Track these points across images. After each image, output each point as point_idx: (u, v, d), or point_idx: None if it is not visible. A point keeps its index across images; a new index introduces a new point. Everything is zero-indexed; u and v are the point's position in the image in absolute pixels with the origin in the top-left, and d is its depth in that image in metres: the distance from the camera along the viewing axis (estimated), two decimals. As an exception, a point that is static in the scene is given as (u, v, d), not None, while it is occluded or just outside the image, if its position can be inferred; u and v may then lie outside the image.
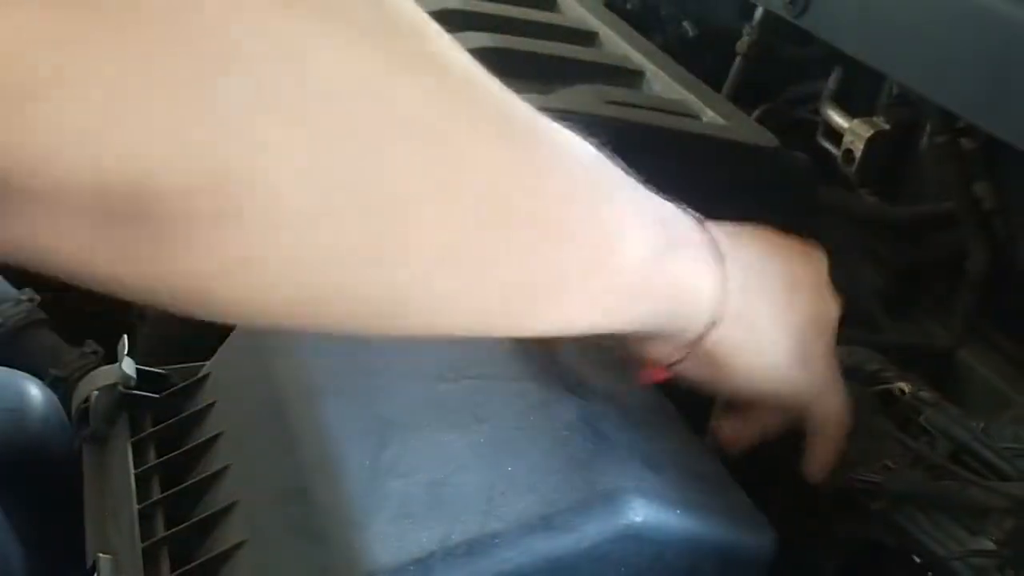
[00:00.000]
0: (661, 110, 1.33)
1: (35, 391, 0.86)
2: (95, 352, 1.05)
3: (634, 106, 1.29)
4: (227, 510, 0.66)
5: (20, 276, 1.12)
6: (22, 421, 0.83)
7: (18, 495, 0.76)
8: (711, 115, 1.35)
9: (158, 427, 0.75)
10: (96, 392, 0.77)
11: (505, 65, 1.51)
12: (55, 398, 0.88)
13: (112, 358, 0.99)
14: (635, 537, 0.58)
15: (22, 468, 0.79)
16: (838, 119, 1.54)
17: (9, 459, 0.77)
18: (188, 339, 1.07)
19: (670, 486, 0.62)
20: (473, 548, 0.55)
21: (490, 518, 0.57)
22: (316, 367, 0.70)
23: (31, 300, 1.06)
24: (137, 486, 0.70)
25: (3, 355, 0.93)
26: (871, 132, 1.46)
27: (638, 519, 0.58)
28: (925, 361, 1.14)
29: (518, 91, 1.44)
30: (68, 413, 0.90)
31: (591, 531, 0.57)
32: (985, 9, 0.89)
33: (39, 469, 0.83)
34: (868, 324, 1.35)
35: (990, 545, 0.75)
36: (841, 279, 1.50)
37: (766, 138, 1.30)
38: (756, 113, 1.54)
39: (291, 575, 0.58)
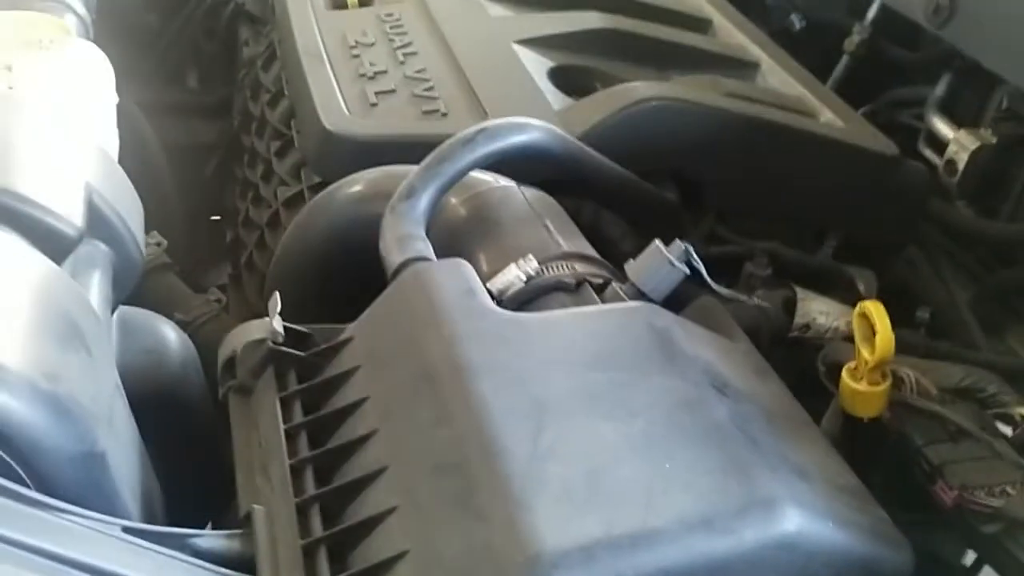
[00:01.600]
0: (779, 106, 1.32)
1: (172, 334, 0.89)
2: (218, 300, 1.08)
3: (753, 100, 1.29)
4: (377, 474, 0.68)
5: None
6: (161, 363, 0.85)
7: (156, 435, 0.79)
8: (829, 115, 1.35)
9: (305, 385, 0.77)
10: (246, 344, 0.79)
11: (621, 47, 1.51)
12: (189, 341, 0.91)
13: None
14: (789, 546, 0.60)
15: (161, 409, 0.82)
16: (943, 128, 1.52)
17: (149, 400, 0.80)
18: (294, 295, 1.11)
19: (820, 497, 0.63)
20: (637, 542, 0.57)
21: (651, 514, 0.58)
22: (467, 344, 0.71)
23: (159, 244, 1.09)
24: (286, 442, 0.73)
25: (131, 295, 0.96)
26: (977, 144, 1.44)
27: (793, 529, 0.60)
28: (1012, 383, 1.13)
29: (634, 74, 1.44)
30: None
31: (749, 537, 0.59)
32: None
33: (176, 411, 0.85)
34: (965, 340, 1.34)
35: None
36: (940, 292, 1.49)
37: (886, 145, 1.29)
38: (859, 113, 1.53)
39: (449, 545, 0.60)
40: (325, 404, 0.76)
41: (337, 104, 1.20)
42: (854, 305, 1.17)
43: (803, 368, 1.00)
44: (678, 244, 0.80)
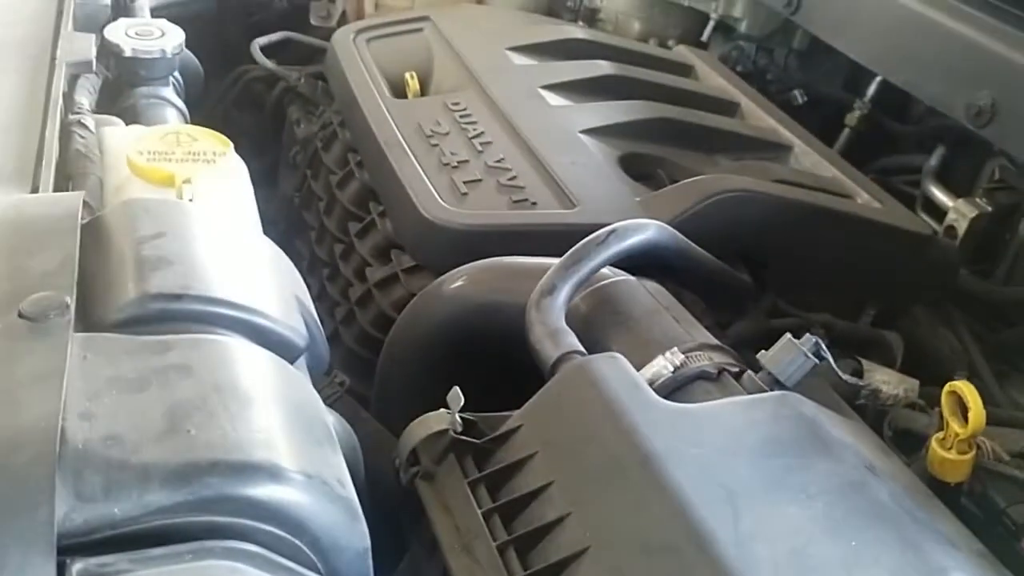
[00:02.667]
0: (822, 189, 1.46)
1: (338, 423, 0.96)
2: (342, 383, 1.16)
3: (802, 185, 1.42)
4: (581, 554, 0.77)
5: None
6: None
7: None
8: (865, 196, 1.49)
9: (491, 470, 0.86)
10: (428, 435, 0.88)
11: (673, 134, 1.64)
12: (350, 429, 0.98)
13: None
14: (960, 609, 0.71)
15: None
16: (941, 196, 1.69)
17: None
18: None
19: (972, 564, 0.74)
20: (846, 611, 0.67)
21: (853, 585, 0.69)
22: (648, 433, 0.81)
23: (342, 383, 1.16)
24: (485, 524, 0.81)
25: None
26: (975, 213, 1.60)
27: (965, 597, 0.71)
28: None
29: (688, 159, 1.57)
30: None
31: (931, 604, 0.69)
32: None
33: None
34: (987, 399, 1.48)
35: None
36: (949, 352, 1.63)
37: (922, 225, 1.44)
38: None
39: (672, 620, 0.70)
40: (508, 488, 0.85)
41: (431, 194, 1.30)
42: (888, 365, 1.31)
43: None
44: (809, 338, 0.92)
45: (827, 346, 1.28)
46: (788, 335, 0.92)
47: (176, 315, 0.72)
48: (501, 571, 0.78)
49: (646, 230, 1.04)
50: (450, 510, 0.84)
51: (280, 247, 1.74)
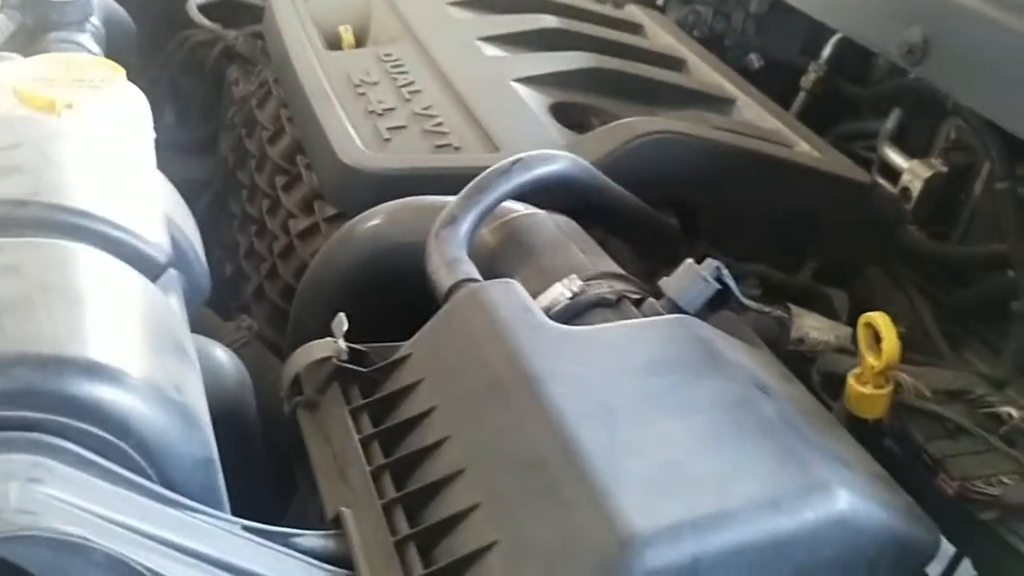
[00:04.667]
0: (761, 138, 1.43)
1: (226, 356, 0.93)
2: (249, 327, 1.12)
3: (738, 133, 1.39)
4: (456, 475, 0.73)
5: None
6: (219, 384, 0.89)
7: (220, 448, 0.82)
8: (805, 146, 1.45)
9: (373, 398, 0.82)
10: (310, 363, 0.84)
11: (611, 85, 1.60)
12: (241, 364, 0.95)
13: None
14: (842, 524, 0.67)
15: (222, 428, 0.86)
16: (896, 158, 1.65)
17: (212, 416, 0.83)
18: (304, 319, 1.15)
19: (863, 482, 0.71)
20: (716, 522, 0.64)
21: (726, 496, 0.65)
22: (532, 355, 0.78)
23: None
24: (362, 450, 0.78)
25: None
26: (930, 173, 1.56)
27: (847, 508, 0.67)
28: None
29: (625, 110, 1.54)
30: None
31: (809, 516, 0.66)
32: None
33: (236, 428, 0.89)
34: (933, 354, 1.45)
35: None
36: (904, 311, 1.60)
37: (861, 173, 1.40)
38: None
39: (539, 534, 0.66)
40: (392, 415, 0.82)
41: (351, 140, 1.26)
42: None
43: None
44: (710, 262, 0.88)
45: (760, 296, 1.27)
46: (689, 260, 0.89)
47: (22, 221, 0.69)
48: (373, 496, 0.74)
49: (555, 161, 1.00)
50: (329, 438, 0.81)
51: (216, 208, 1.72)
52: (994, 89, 1.11)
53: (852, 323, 1.32)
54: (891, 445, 1.01)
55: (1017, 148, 1.23)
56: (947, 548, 1.10)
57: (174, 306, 0.76)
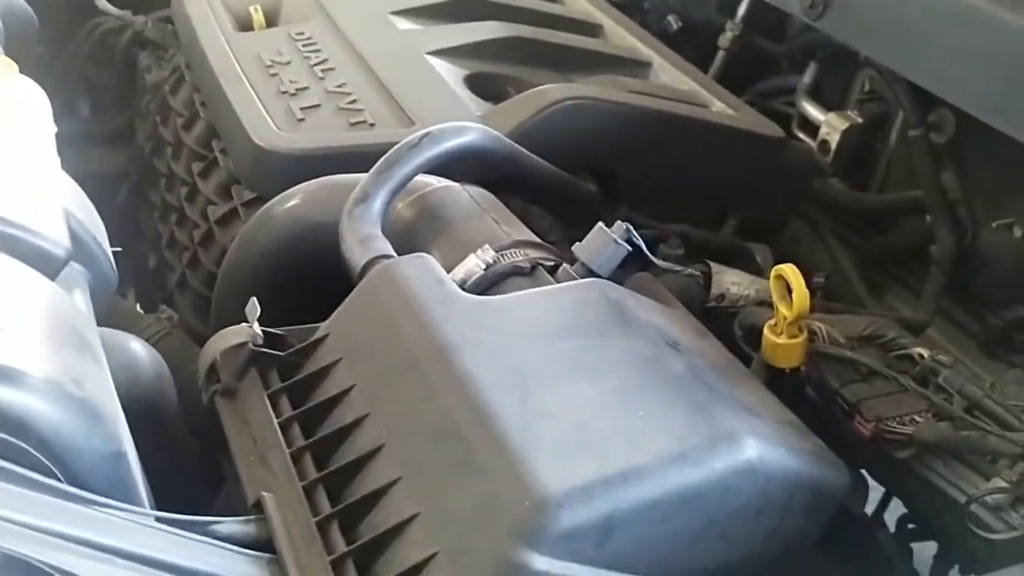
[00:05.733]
0: (676, 100, 1.44)
1: (142, 349, 0.92)
2: (169, 317, 1.11)
3: (653, 96, 1.40)
4: (375, 451, 0.74)
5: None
6: (137, 377, 0.88)
7: (139, 444, 0.81)
8: (719, 105, 1.47)
9: (292, 381, 0.82)
10: (226, 349, 0.84)
11: (526, 53, 1.60)
12: (159, 356, 0.94)
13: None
14: (751, 471, 0.69)
15: (141, 420, 0.85)
16: (814, 112, 1.68)
17: (129, 412, 0.82)
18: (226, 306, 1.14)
19: (771, 429, 0.73)
20: (627, 478, 0.65)
21: (635, 453, 0.67)
22: (445, 327, 0.78)
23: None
24: (281, 433, 0.77)
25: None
26: (846, 125, 1.59)
27: (754, 456, 0.69)
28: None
29: (541, 78, 1.54)
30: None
31: (718, 466, 0.68)
32: (996, 19, 1.01)
33: (156, 420, 0.88)
34: (854, 301, 1.49)
35: (1004, 484, 0.89)
36: (826, 262, 1.63)
37: (773, 128, 1.42)
38: (736, 104, 1.66)
39: (457, 502, 0.67)
40: (311, 396, 0.82)
41: (264, 121, 1.25)
42: (759, 276, 1.30)
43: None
44: (620, 225, 0.89)
45: (685, 254, 1.28)
46: (600, 224, 0.90)
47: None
48: (294, 478, 0.74)
49: (465, 133, 1.00)
50: (248, 423, 0.81)
51: (136, 198, 1.69)
52: (893, 40, 1.13)
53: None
54: (810, 392, 1.04)
55: (927, 96, 1.25)
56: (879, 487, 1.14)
57: (77, 301, 0.75)
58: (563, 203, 1.22)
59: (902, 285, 1.51)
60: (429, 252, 0.95)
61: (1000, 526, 0.85)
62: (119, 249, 1.69)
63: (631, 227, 0.89)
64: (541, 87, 1.29)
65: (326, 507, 0.72)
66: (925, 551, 1.15)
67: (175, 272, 1.41)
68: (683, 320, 0.88)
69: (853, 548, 0.93)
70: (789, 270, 0.96)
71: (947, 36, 1.06)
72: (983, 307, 1.36)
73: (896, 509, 1.18)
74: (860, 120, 1.56)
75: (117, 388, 0.83)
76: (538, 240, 0.95)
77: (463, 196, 1.01)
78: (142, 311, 1.67)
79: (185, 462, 0.89)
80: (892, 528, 1.14)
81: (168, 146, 1.55)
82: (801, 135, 1.63)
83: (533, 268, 0.89)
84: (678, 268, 0.98)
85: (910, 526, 1.16)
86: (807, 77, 1.70)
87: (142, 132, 1.72)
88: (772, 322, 0.99)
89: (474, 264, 0.88)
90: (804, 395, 1.03)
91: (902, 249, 1.51)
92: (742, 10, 1.80)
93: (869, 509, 1.13)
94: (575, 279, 0.88)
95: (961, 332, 1.40)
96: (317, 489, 0.73)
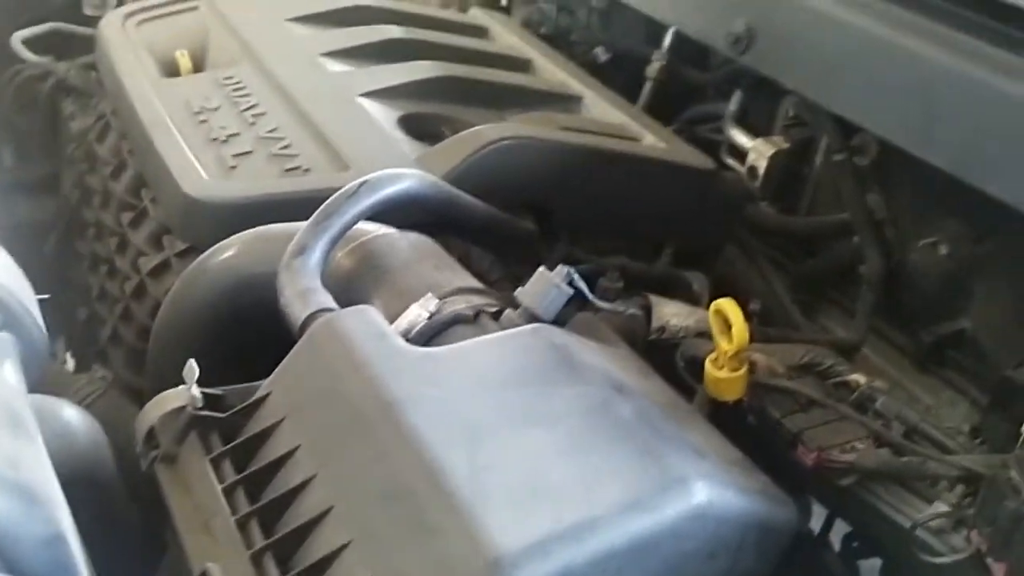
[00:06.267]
0: (608, 135, 1.46)
1: (77, 415, 0.89)
2: (103, 377, 1.08)
3: (586, 131, 1.42)
4: (324, 515, 0.72)
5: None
6: (73, 445, 0.85)
7: (77, 515, 0.79)
8: (651, 138, 1.49)
9: (234, 443, 0.80)
10: (164, 414, 0.82)
11: (459, 92, 1.61)
12: (94, 421, 0.91)
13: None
14: (702, 516, 0.70)
15: (79, 490, 0.82)
16: (741, 138, 1.71)
17: (67, 483, 0.80)
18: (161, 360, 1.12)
19: (719, 471, 0.74)
20: (582, 530, 0.65)
21: (589, 504, 0.67)
22: (391, 382, 0.77)
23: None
24: (225, 499, 0.76)
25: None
26: (772, 151, 1.63)
27: (704, 500, 0.70)
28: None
29: (475, 116, 1.55)
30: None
31: (671, 512, 0.68)
32: (914, 53, 1.05)
33: (94, 489, 0.85)
34: (789, 324, 1.52)
35: (945, 508, 0.91)
36: (760, 286, 1.67)
37: (704, 161, 1.45)
38: (667, 132, 1.70)
39: (410, 565, 0.66)
40: (256, 459, 0.80)
41: (195, 170, 1.23)
42: (694, 305, 1.32)
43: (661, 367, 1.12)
44: (561, 268, 0.90)
45: (624, 287, 1.30)
46: (541, 268, 0.90)
47: None
48: (240, 546, 0.72)
49: (402, 180, 0.99)
50: (191, 490, 0.79)
51: (64, 249, 1.64)
52: (816, 73, 1.17)
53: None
54: (752, 422, 1.05)
55: (849, 121, 1.29)
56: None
57: (6, 373, 0.72)
58: (503, 241, 1.22)
59: (835, 305, 1.55)
60: (371, 302, 0.94)
61: (944, 549, 0.87)
62: (46, 296, 1.65)
63: (572, 269, 0.89)
64: (475, 128, 1.29)
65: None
66: (870, 563, 1.18)
67: (107, 325, 1.38)
68: (627, 360, 0.88)
69: (799, 570, 0.95)
70: (728, 305, 0.98)
71: (867, 69, 1.10)
72: (914, 324, 1.39)
73: (841, 526, 1.20)
74: (786, 145, 1.59)
75: (52, 459, 0.80)
76: (480, 286, 0.95)
77: (403, 243, 1.00)
78: (74, 360, 1.62)
79: (125, 532, 0.86)
80: (837, 546, 1.16)
81: (96, 195, 1.52)
82: (731, 161, 1.66)
83: (477, 315, 0.89)
84: (620, 309, 0.99)
85: (855, 544, 1.18)
86: (733, 104, 1.73)
87: (68, 180, 1.68)
88: (713, 356, 1.01)
89: (417, 314, 0.87)
90: (749, 425, 1.05)
91: (833, 270, 1.54)
92: (667, 40, 1.84)
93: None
94: (519, 325, 0.88)
95: (894, 349, 1.43)
96: (265, 557, 0.72)
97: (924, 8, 1.06)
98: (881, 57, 1.07)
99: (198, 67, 1.55)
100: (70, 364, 1.66)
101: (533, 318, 0.88)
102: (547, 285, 0.88)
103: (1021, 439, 0.93)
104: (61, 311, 1.61)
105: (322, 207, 0.96)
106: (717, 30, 1.28)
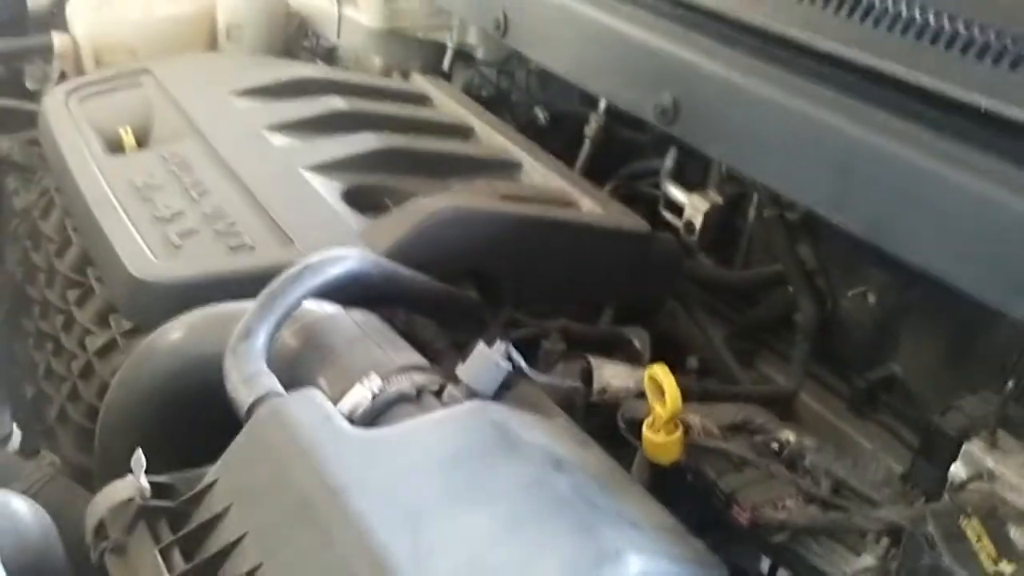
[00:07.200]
0: (546, 201, 1.51)
1: (24, 507, 0.89)
2: (51, 463, 1.08)
3: (526, 199, 1.46)
4: (273, 603, 0.74)
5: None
6: (22, 540, 0.86)
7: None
8: (588, 202, 1.55)
9: (183, 533, 0.82)
10: (113, 506, 0.83)
11: (401, 163, 1.66)
12: (43, 512, 0.91)
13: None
14: (636, 586, 0.73)
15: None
16: (677, 194, 1.78)
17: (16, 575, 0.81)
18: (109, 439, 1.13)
19: (652, 541, 0.77)
20: (522, 612, 0.68)
21: (528, 583, 0.70)
22: (335, 468, 0.80)
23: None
24: (175, 590, 0.77)
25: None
26: (707, 206, 1.70)
27: (637, 572, 0.73)
28: (770, 406, 1.34)
29: (418, 186, 1.59)
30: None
31: (606, 586, 0.71)
32: (828, 124, 1.11)
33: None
34: (727, 376, 1.57)
35: (872, 561, 0.96)
36: (700, 339, 1.72)
37: (639, 224, 1.51)
38: (606, 189, 1.76)
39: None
40: (203, 548, 0.81)
41: (140, 250, 1.24)
42: (635, 361, 1.37)
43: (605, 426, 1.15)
44: (499, 345, 0.93)
45: (566, 349, 1.34)
46: (480, 344, 0.94)
47: None
48: (191, 638, 0.74)
49: (343, 262, 1.03)
50: (140, 581, 0.80)
51: (10, 326, 1.64)
52: (737, 144, 1.23)
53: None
54: (691, 483, 1.09)
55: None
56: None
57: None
58: (446, 312, 1.25)
59: (775, 353, 1.60)
60: (316, 382, 0.97)
61: (874, 600, 0.92)
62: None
63: (509, 345, 0.93)
64: (416, 201, 1.33)
65: (227, 667, 0.72)
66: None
67: (54, 404, 1.38)
68: (566, 432, 0.92)
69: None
70: (660, 371, 1.02)
71: (784, 141, 1.16)
72: (849, 370, 1.45)
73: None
74: (720, 201, 1.66)
75: (2, 553, 0.82)
76: (423, 363, 0.98)
77: (347, 322, 1.03)
78: (22, 435, 1.61)
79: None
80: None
81: (41, 272, 1.52)
82: (668, 215, 1.72)
83: (419, 393, 0.92)
84: (556, 382, 1.03)
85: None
86: (669, 161, 1.80)
87: (12, 257, 1.68)
88: (649, 420, 1.05)
89: (361, 395, 0.90)
90: (688, 484, 1.09)
91: (771, 319, 1.60)
92: (603, 103, 1.91)
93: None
94: (461, 401, 0.91)
95: (831, 395, 1.49)
96: (217, 648, 0.73)
97: (840, 84, 1.13)
98: (797, 130, 1.14)
99: (142, 143, 1.58)
100: (17, 436, 1.65)
101: (473, 394, 0.91)
102: (486, 362, 0.92)
103: (947, 485, 0.99)
104: (7, 387, 1.61)
105: (266, 290, 0.99)
106: (645, 102, 1.34)
